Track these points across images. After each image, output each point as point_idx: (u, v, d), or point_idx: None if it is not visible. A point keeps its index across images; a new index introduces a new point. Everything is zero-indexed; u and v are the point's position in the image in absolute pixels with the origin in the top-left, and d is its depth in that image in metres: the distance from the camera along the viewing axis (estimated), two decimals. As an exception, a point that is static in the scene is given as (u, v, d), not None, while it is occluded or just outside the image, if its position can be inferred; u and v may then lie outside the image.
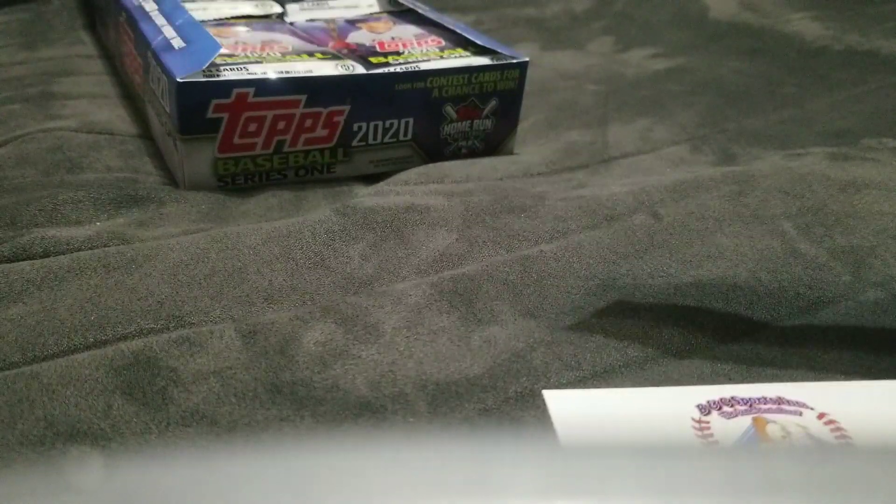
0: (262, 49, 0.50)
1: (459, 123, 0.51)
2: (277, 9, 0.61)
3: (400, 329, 0.34)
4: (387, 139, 0.49)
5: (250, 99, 0.44)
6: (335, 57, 0.50)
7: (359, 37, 0.55)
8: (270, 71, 0.46)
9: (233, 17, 0.58)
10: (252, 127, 0.45)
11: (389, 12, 0.62)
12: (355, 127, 0.48)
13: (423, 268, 0.38)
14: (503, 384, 0.31)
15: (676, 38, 0.82)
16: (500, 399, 0.30)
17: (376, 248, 0.39)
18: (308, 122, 0.47)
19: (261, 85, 0.45)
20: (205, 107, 0.43)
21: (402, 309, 0.35)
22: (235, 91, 0.44)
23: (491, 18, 0.88)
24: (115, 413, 0.29)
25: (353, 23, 0.58)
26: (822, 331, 0.35)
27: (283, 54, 0.49)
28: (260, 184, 0.47)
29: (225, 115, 0.44)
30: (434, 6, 0.63)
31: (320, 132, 0.47)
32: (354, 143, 0.48)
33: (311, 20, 0.60)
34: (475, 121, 0.51)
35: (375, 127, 0.49)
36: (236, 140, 0.45)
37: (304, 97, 0.46)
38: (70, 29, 0.75)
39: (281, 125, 0.46)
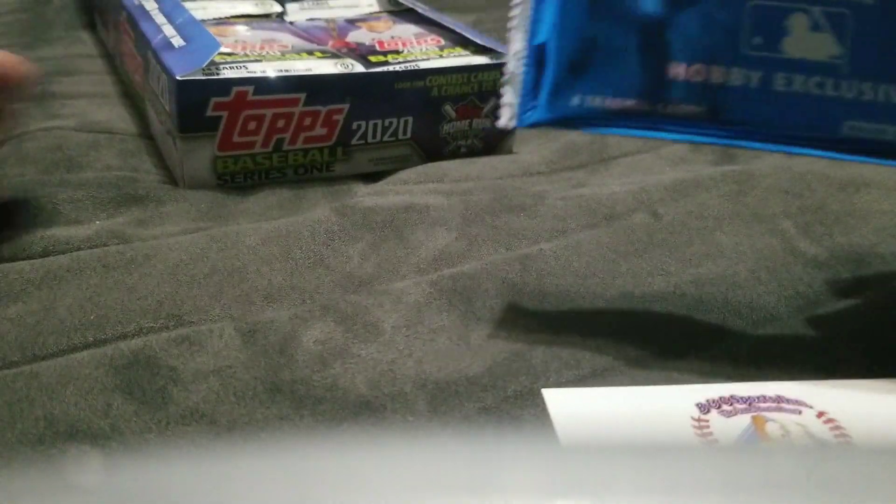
0: (262, 48, 0.50)
1: (459, 122, 0.51)
2: (277, 8, 0.61)
3: (399, 328, 0.34)
4: (386, 138, 0.49)
5: (250, 97, 0.44)
6: (334, 56, 0.50)
7: (358, 36, 0.55)
8: (270, 69, 0.46)
9: (232, 17, 0.58)
10: (251, 125, 0.45)
11: (389, 12, 0.62)
12: (354, 125, 0.48)
13: (423, 266, 0.38)
14: (502, 383, 0.31)
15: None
16: (500, 398, 0.30)
17: (375, 248, 0.39)
18: (307, 121, 0.47)
19: (260, 83, 0.44)
20: (204, 105, 0.43)
21: (402, 308, 0.35)
22: (235, 89, 0.44)
23: (491, 18, 0.88)
24: (115, 412, 0.29)
25: (352, 22, 0.58)
26: (821, 329, 0.35)
27: (283, 53, 0.49)
28: (259, 182, 0.47)
29: (224, 114, 0.44)
30: (434, 6, 0.63)
31: (319, 131, 0.47)
32: (354, 141, 0.48)
33: (311, 19, 0.60)
34: (475, 120, 0.51)
35: (374, 126, 0.48)
36: (236, 138, 0.45)
37: (303, 95, 0.46)
38: (70, 29, 0.75)
39: (280, 123, 0.46)
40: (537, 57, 0.30)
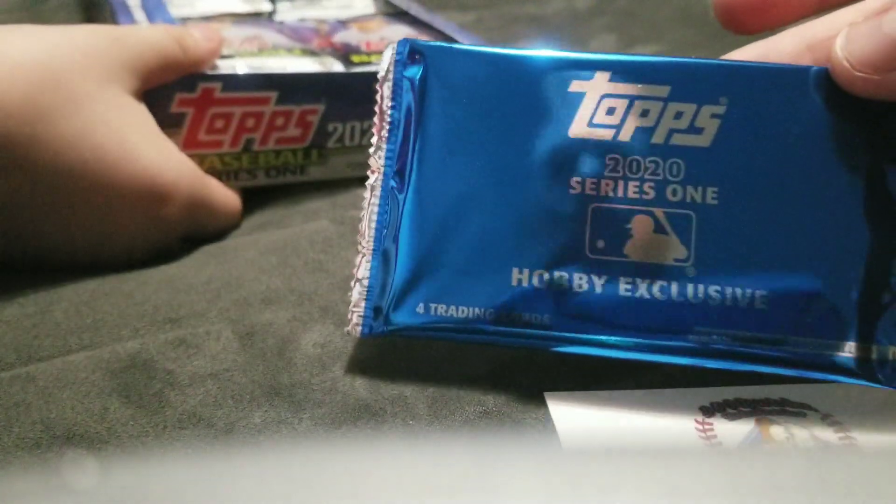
0: (241, 45, 0.48)
1: None
2: (267, 6, 0.60)
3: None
4: (365, 141, 0.47)
5: (217, 94, 0.43)
6: (313, 54, 0.48)
7: (346, 36, 0.54)
8: (241, 66, 0.44)
9: (220, 14, 0.57)
10: (219, 124, 0.43)
11: (385, 13, 0.62)
12: (330, 127, 0.46)
13: (423, 268, 0.38)
14: (504, 386, 0.30)
15: (680, 36, 0.82)
16: (501, 401, 0.30)
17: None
18: (279, 121, 0.45)
19: (228, 80, 0.43)
20: (168, 100, 0.42)
21: (402, 310, 0.34)
22: (201, 85, 0.42)
23: (492, 16, 0.88)
24: (112, 416, 0.29)
25: (344, 22, 0.57)
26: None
27: (261, 49, 0.48)
28: (229, 183, 0.45)
29: (190, 111, 0.43)
30: (435, 3, 0.63)
31: (293, 131, 0.45)
32: (330, 144, 0.47)
33: (303, 19, 0.59)
34: None
35: (352, 128, 0.47)
36: (202, 137, 0.43)
37: (275, 94, 0.44)
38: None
39: (250, 123, 0.44)
40: (384, 261, 0.30)
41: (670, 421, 0.29)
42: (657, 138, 0.29)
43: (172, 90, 0.42)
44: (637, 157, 0.29)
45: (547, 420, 0.29)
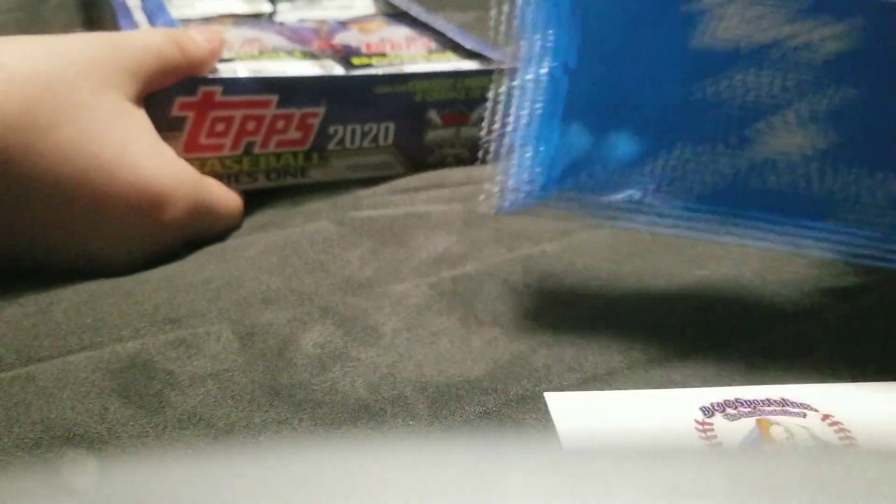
0: (242, 47, 0.48)
1: (444, 130, 0.49)
2: (268, 7, 0.60)
3: (400, 330, 0.33)
4: (366, 144, 0.47)
5: (218, 98, 0.43)
6: (314, 56, 0.48)
7: (346, 37, 0.53)
8: (241, 69, 0.44)
9: (221, 15, 0.57)
10: (220, 127, 0.43)
11: (385, 14, 0.61)
12: (331, 130, 0.46)
13: (423, 269, 0.38)
14: (504, 386, 0.30)
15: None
16: (501, 401, 0.30)
17: (375, 253, 0.39)
18: (280, 124, 0.45)
19: (229, 84, 0.43)
20: (168, 104, 0.42)
21: (402, 310, 0.34)
22: (201, 89, 0.42)
23: (493, 16, 0.88)
24: (112, 416, 0.29)
25: (344, 24, 0.57)
26: (826, 332, 0.34)
27: (261, 52, 0.48)
28: (230, 186, 0.45)
29: (190, 114, 0.42)
30: (435, 3, 0.63)
31: (293, 134, 0.45)
32: (331, 146, 0.46)
33: (303, 20, 0.59)
34: (462, 127, 0.49)
35: (353, 131, 0.47)
36: (203, 140, 0.43)
37: (275, 97, 0.44)
38: (67, 28, 0.75)
39: (251, 126, 0.44)
40: (529, 143, 0.32)
41: (670, 421, 0.29)
42: (795, 41, 0.30)
43: (173, 94, 0.42)
44: (774, 60, 0.31)
45: (547, 420, 0.29)
